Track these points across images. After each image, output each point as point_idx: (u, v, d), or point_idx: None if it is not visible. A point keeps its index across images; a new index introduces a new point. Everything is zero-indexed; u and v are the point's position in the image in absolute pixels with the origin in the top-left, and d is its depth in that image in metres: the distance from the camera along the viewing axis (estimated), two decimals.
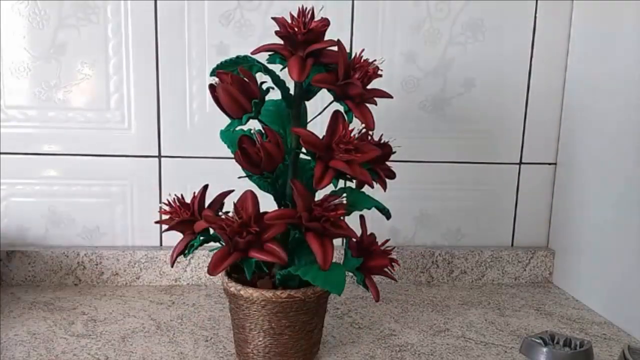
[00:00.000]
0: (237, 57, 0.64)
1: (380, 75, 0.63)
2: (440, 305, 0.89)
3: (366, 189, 0.67)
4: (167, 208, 0.66)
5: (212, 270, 0.59)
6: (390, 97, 0.65)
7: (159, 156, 0.94)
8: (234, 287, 0.64)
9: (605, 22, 0.88)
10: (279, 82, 0.64)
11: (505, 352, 0.74)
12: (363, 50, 0.63)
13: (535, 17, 0.97)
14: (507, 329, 0.81)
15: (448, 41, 0.95)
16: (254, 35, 0.92)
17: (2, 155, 0.91)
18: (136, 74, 0.91)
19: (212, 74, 0.64)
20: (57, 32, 0.89)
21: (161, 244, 0.96)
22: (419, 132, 0.97)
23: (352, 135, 0.60)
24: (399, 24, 0.94)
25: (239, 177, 0.65)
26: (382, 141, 0.68)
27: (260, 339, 0.65)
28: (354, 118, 0.62)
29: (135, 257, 0.93)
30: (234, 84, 0.60)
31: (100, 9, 0.89)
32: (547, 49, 0.97)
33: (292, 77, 0.59)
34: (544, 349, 0.67)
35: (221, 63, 0.64)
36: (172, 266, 0.67)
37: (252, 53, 0.62)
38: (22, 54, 0.89)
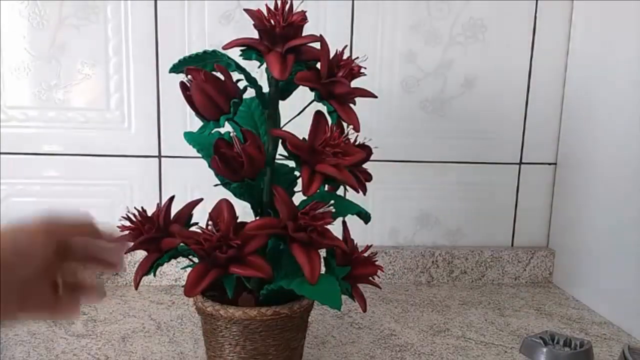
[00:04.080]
0: (205, 51, 0.59)
1: (364, 74, 0.59)
2: (440, 305, 0.89)
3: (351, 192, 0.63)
4: (127, 224, 0.57)
5: (190, 290, 0.52)
6: (375, 96, 0.61)
7: (159, 156, 0.94)
8: (211, 306, 0.58)
9: (605, 22, 0.88)
10: (251, 80, 0.58)
11: (505, 352, 0.74)
12: (345, 46, 0.60)
13: (535, 17, 0.96)
14: (507, 329, 0.81)
15: (448, 41, 0.95)
16: (253, 35, 0.91)
17: (2, 155, 0.91)
18: (136, 74, 0.91)
19: (174, 70, 0.59)
20: (57, 32, 0.89)
21: None
22: (419, 132, 0.97)
23: (340, 137, 0.55)
24: (399, 24, 0.94)
25: (215, 185, 0.59)
26: (358, 142, 0.62)
27: None
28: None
29: (136, 257, 0.93)
30: (209, 82, 0.54)
31: (100, 9, 0.89)
32: (547, 49, 0.97)
33: (274, 75, 0.54)
34: (544, 349, 0.68)
35: (184, 58, 0.58)
36: (136, 289, 0.60)
37: (224, 47, 0.57)
38: (22, 54, 0.89)
